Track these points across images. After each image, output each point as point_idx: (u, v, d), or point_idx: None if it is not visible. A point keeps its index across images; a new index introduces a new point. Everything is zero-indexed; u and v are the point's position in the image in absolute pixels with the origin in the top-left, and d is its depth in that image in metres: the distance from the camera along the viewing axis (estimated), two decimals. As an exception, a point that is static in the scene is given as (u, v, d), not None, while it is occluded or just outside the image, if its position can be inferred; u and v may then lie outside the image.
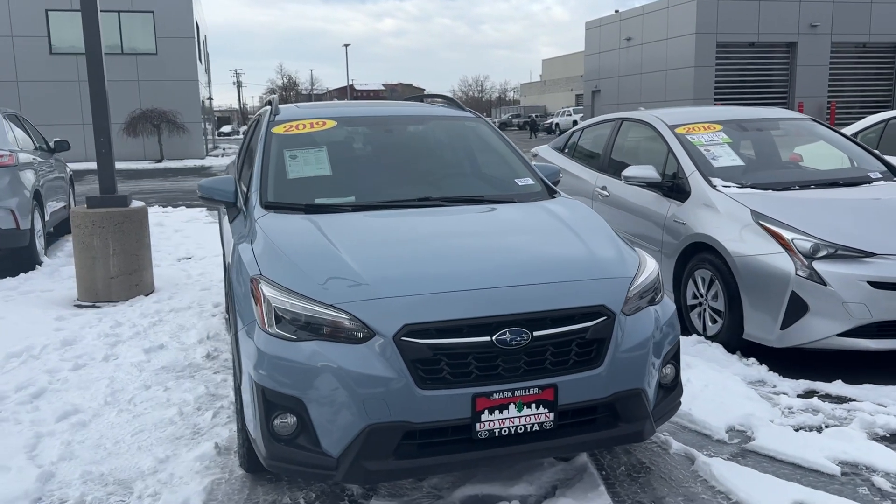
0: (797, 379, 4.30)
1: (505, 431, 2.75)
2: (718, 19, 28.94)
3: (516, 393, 2.74)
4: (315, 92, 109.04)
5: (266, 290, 2.91)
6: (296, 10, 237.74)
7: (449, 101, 5.05)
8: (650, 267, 3.21)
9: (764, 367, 4.46)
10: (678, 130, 5.66)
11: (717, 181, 5.11)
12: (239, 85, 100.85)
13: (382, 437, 2.67)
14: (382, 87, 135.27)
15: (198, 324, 5.75)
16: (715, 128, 5.69)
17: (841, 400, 4.02)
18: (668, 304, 3.21)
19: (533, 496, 3.12)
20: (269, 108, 4.81)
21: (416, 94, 5.62)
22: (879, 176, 5.31)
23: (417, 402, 2.67)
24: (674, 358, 3.18)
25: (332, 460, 2.73)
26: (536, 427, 2.78)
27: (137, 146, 28.53)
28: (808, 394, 4.14)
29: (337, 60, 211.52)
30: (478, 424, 2.72)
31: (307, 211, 3.61)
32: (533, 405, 2.76)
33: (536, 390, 2.75)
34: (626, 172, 5.56)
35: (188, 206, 13.83)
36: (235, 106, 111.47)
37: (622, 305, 2.92)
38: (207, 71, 39.60)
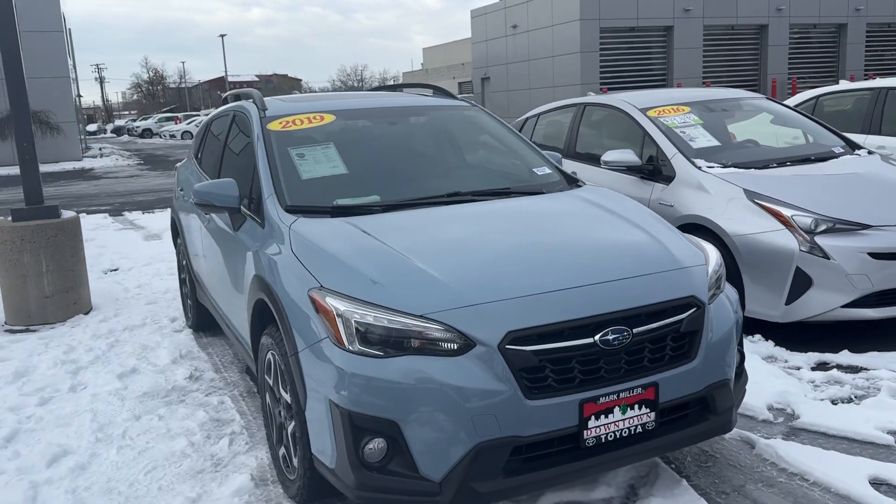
0: (806, 352, 4.41)
1: (611, 436, 2.61)
2: (601, 5, 29.80)
3: (621, 395, 2.60)
4: (185, 85, 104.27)
5: (338, 304, 2.62)
6: (157, 1, 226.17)
7: (437, 89, 4.82)
8: (714, 255, 3.15)
9: (770, 343, 4.55)
10: (650, 113, 5.69)
11: (700, 162, 5.17)
12: (102, 81, 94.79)
13: (492, 454, 2.47)
14: (256, 79, 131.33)
15: (163, 342, 5.26)
16: (684, 109, 5.76)
17: (855, 370, 4.15)
18: (731, 290, 3.17)
19: (616, 498, 3.01)
20: (242, 102, 4.44)
21: (391, 85, 5.34)
22: (842, 150, 5.54)
23: (526, 414, 2.48)
24: (739, 344, 3.14)
25: (434, 485, 2.50)
26: (640, 428, 2.66)
27: (6, 150, 26.20)
28: (822, 365, 4.25)
29: (205, 52, 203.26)
30: (585, 431, 2.57)
31: (334, 213, 3.31)
32: (636, 406, 2.64)
33: (639, 390, 2.63)
34: (606, 157, 5.52)
35: (87, 212, 12.77)
36: (98, 103, 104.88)
37: (707, 295, 2.85)
38: (74, 67, 36.93)
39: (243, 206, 3.66)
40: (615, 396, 2.59)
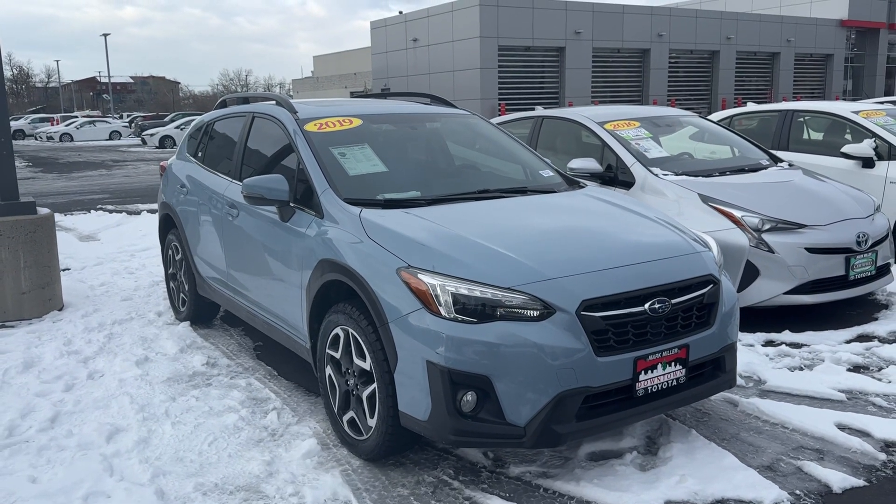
0: (755, 332, 5.18)
1: (654, 388, 3.18)
2: (499, 24, 31.00)
3: (663, 354, 3.18)
4: (58, 84, 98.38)
5: (431, 280, 3.05)
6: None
7: (434, 98, 5.29)
8: (713, 243, 3.80)
9: (723, 326, 5.30)
10: (607, 126, 6.39)
11: (656, 170, 5.90)
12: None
13: (569, 402, 2.98)
14: (131, 80, 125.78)
15: (161, 334, 5.42)
16: (634, 124, 6.50)
17: (797, 345, 4.94)
18: (725, 274, 3.83)
19: (641, 446, 3.58)
20: (266, 104, 4.74)
21: (380, 93, 5.75)
22: (768, 163, 6.44)
23: (596, 368, 3.01)
24: (733, 317, 3.79)
25: (519, 429, 2.97)
26: (675, 382, 3.24)
27: None
28: (769, 343, 5.02)
29: (73, 51, 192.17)
30: (637, 384, 3.12)
31: (386, 206, 3.72)
32: (673, 363, 3.22)
33: (676, 350, 3.21)
34: (572, 164, 6.15)
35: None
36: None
37: (719, 273, 3.49)
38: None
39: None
40: (659, 355, 3.16)
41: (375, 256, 3.30)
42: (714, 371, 3.46)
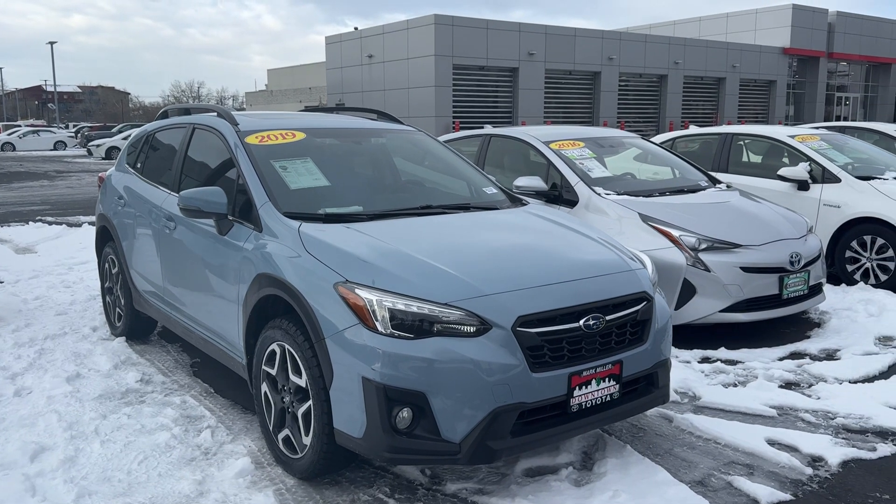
0: (691, 349, 5.28)
1: (588, 404, 3.21)
2: (454, 43, 31.27)
3: (597, 370, 3.21)
4: (2, 93, 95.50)
5: (368, 295, 3.04)
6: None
7: (381, 114, 5.30)
8: (649, 261, 3.87)
9: (662, 343, 5.39)
10: (552, 146, 6.48)
11: (599, 189, 6.00)
12: None
13: (505, 418, 2.99)
14: (79, 90, 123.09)
15: (95, 349, 5.27)
16: (579, 144, 6.61)
17: (732, 362, 5.05)
18: (660, 291, 3.90)
19: (577, 461, 3.60)
20: (205, 115, 4.69)
21: (327, 107, 5.73)
22: (707, 184, 6.61)
23: (531, 384, 3.03)
24: (666, 334, 3.87)
25: (455, 445, 2.97)
26: (608, 398, 3.28)
27: None
28: (705, 360, 5.12)
29: (17, 58, 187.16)
30: (571, 399, 3.15)
31: (327, 220, 3.70)
32: (606, 379, 3.26)
33: (609, 366, 3.26)
34: (518, 182, 6.21)
35: (-69, 224, 11.78)
36: None
37: (653, 292, 3.55)
38: None
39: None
40: (593, 371, 3.20)
41: (313, 271, 3.28)
42: (648, 387, 3.51)
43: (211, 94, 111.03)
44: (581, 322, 3.17)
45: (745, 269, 5.30)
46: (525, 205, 4.41)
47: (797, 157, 7.64)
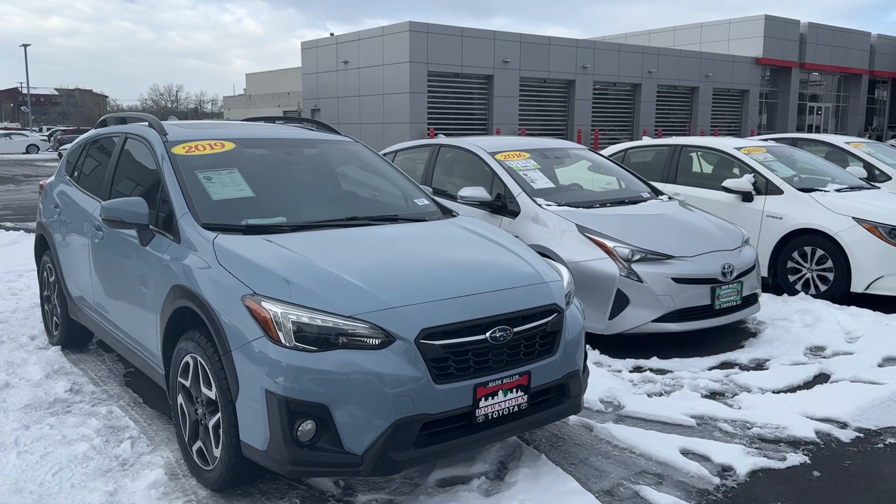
0: (624, 359, 5.36)
1: (495, 414, 3.26)
2: (429, 50, 31.36)
3: (504, 381, 3.26)
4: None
5: (274, 308, 3.07)
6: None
7: (320, 124, 5.33)
8: (566, 272, 3.94)
9: (597, 352, 5.46)
10: (498, 157, 6.55)
11: (540, 200, 6.07)
12: None
13: (406, 429, 3.03)
14: (56, 92, 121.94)
15: (29, 358, 5.25)
16: (524, 155, 6.69)
17: (663, 371, 5.13)
18: (577, 301, 3.96)
19: (491, 471, 3.65)
20: (138, 125, 4.69)
21: (268, 117, 5.76)
22: (648, 196, 6.71)
23: (434, 396, 3.07)
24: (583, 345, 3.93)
25: (357, 457, 3.00)
26: (516, 408, 3.33)
27: None
28: (637, 369, 5.20)
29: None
30: (477, 410, 3.20)
31: (247, 232, 3.72)
32: (514, 390, 3.31)
33: (517, 377, 3.31)
34: (462, 193, 6.28)
35: None
36: None
37: (565, 304, 3.61)
38: None
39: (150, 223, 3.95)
40: (500, 381, 3.25)
41: (223, 283, 3.30)
42: (559, 397, 3.57)
43: (190, 98, 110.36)
44: (487, 334, 3.22)
45: (677, 280, 5.39)
46: (454, 217, 4.46)
47: (742, 168, 7.77)
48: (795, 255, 7.12)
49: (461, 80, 33.15)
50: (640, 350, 5.52)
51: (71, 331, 5.33)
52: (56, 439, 3.95)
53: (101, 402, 4.52)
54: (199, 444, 3.47)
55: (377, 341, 3.04)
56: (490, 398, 3.22)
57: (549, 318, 3.47)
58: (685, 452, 3.85)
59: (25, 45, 55.01)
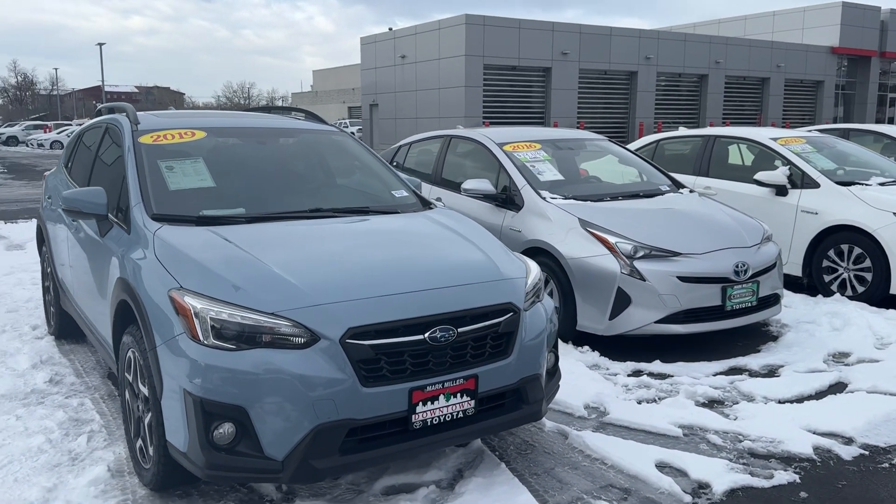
0: (624, 361, 5.04)
1: (436, 420, 3.04)
2: (485, 43, 31.05)
3: (445, 384, 3.03)
4: (57, 92, 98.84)
5: (194, 303, 2.92)
6: (30, 2, 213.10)
7: (308, 114, 5.19)
8: (535, 269, 3.67)
9: (596, 353, 5.15)
10: (506, 148, 6.28)
11: (545, 193, 5.78)
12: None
13: (329, 435, 2.83)
14: (136, 90, 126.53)
15: (23, 348, 5.29)
16: (535, 146, 6.39)
17: (663, 376, 4.79)
18: (548, 301, 3.69)
19: (444, 480, 3.43)
20: (115, 115, 4.64)
21: (263, 107, 5.66)
22: (668, 189, 6.32)
23: (361, 400, 2.87)
24: (554, 347, 3.66)
25: (277, 463, 2.83)
26: (461, 414, 3.10)
27: None
28: (636, 373, 4.87)
29: (80, 59, 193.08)
30: (413, 416, 2.98)
31: (199, 223, 3.60)
32: (458, 394, 3.08)
33: (461, 381, 3.07)
34: (466, 185, 6.05)
35: (-58, 220, 12.15)
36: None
37: (523, 302, 3.35)
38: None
39: (111, 214, 3.88)
40: (440, 385, 3.02)
41: (155, 276, 3.18)
42: (515, 403, 3.32)
43: (262, 95, 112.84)
44: (426, 334, 2.99)
45: (683, 279, 5.03)
46: (431, 209, 4.25)
47: (778, 160, 7.27)
48: (831, 253, 6.61)
49: (518, 72, 32.72)
50: (644, 353, 5.18)
51: (64, 321, 5.35)
52: (18, 431, 3.92)
53: (77, 394, 4.50)
54: (139, 441, 3.36)
55: (302, 340, 2.86)
56: (429, 403, 3.00)
57: (503, 319, 3.21)
58: (661, 466, 3.55)
59: (101, 44, 57.16)
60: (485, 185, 6.01)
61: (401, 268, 3.25)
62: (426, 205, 4.34)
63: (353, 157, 4.71)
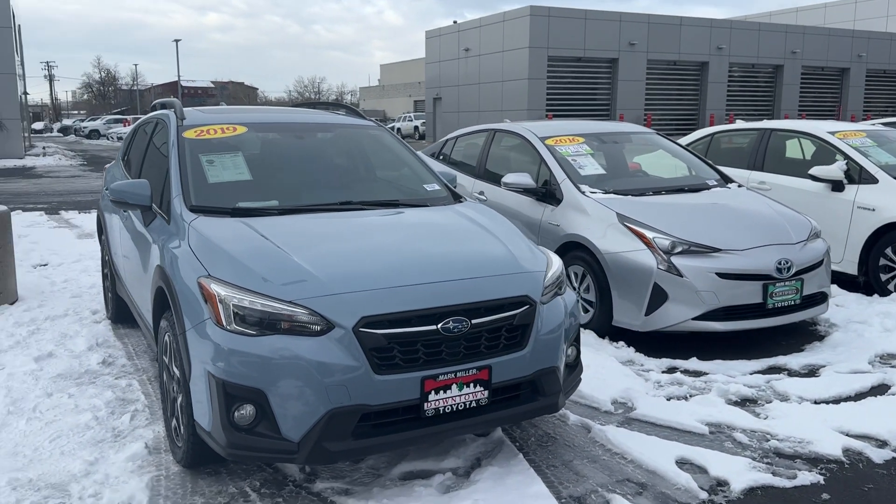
0: (660, 358, 5.00)
1: (448, 409, 3.11)
2: (549, 35, 30.80)
3: (458, 374, 3.10)
4: (138, 88, 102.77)
5: (220, 290, 3.07)
6: (112, 0, 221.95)
7: (348, 109, 5.32)
8: (556, 263, 3.70)
9: (631, 349, 5.12)
10: (548, 142, 6.28)
11: (585, 187, 5.76)
12: (51, 79, 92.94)
13: (342, 420, 2.94)
14: (212, 85, 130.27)
15: (82, 331, 5.60)
16: (578, 140, 6.37)
17: (698, 374, 4.74)
18: (570, 295, 3.71)
19: (461, 468, 3.50)
20: (165, 111, 4.86)
21: (308, 102, 5.82)
22: (715, 183, 6.20)
23: (374, 387, 2.96)
24: (576, 340, 3.68)
25: (293, 444, 2.96)
26: (474, 404, 3.16)
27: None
28: (671, 370, 4.83)
29: (159, 55, 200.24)
30: (425, 404, 3.06)
31: (234, 214, 3.76)
32: (471, 384, 3.14)
33: (474, 371, 3.14)
34: (506, 179, 6.08)
35: (24, 209, 12.89)
36: (46, 100, 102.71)
37: (540, 295, 3.38)
38: (21, 64, 36.41)
39: (155, 204, 4.09)
40: (453, 375, 3.09)
41: (188, 264, 3.35)
42: (531, 394, 3.36)
43: (331, 90, 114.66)
44: (439, 325, 3.07)
45: (722, 275, 4.94)
46: (460, 203, 4.32)
47: (835, 154, 7.04)
48: (889, 251, 6.36)
49: (583, 64, 32.35)
50: (682, 350, 5.13)
51: (119, 306, 5.64)
52: (69, 408, 4.18)
53: (126, 375, 4.75)
54: (174, 420, 3.55)
55: (318, 328, 2.98)
56: (441, 392, 3.08)
57: (518, 311, 3.26)
58: (682, 462, 3.53)
59: (177, 41, 59.24)
60: (524, 178, 6.03)
61: (418, 259, 3.33)
62: (457, 198, 4.41)
63: (388, 152, 4.81)
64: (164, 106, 5.37)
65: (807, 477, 3.39)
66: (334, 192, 4.25)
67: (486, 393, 3.18)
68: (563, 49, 31.31)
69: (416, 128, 44.00)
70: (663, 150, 6.77)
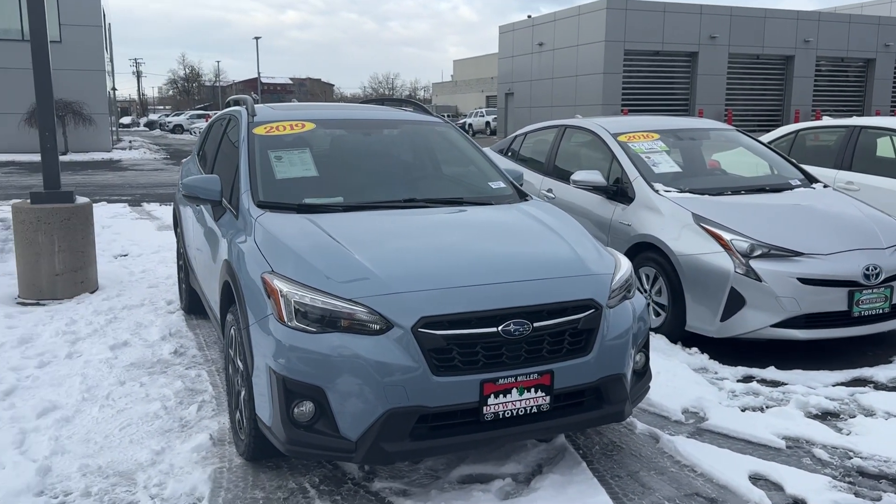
0: (735, 366, 4.78)
1: (508, 414, 3.03)
2: (626, 28, 30.19)
3: (518, 378, 3.02)
4: (220, 84, 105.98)
5: (282, 286, 3.07)
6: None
7: (415, 105, 5.28)
8: (625, 265, 3.56)
9: (705, 356, 4.92)
10: (620, 138, 6.09)
11: (658, 186, 5.56)
12: (139, 75, 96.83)
13: (400, 420, 2.90)
14: (290, 81, 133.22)
15: (156, 321, 5.76)
16: (653, 136, 6.16)
17: (776, 384, 4.51)
18: (639, 299, 3.57)
19: (522, 474, 3.41)
20: (238, 108, 4.92)
21: (377, 99, 5.82)
22: (798, 183, 5.90)
23: (432, 388, 2.91)
24: (644, 347, 3.54)
25: (351, 443, 2.93)
26: (535, 409, 3.07)
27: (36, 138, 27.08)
28: (747, 379, 4.61)
29: (240, 52, 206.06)
30: (484, 408, 2.99)
31: (300, 210, 3.77)
32: (532, 389, 3.05)
33: (536, 376, 3.04)
34: (575, 176, 5.94)
35: (108, 201, 13.42)
36: (133, 96, 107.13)
37: (607, 299, 3.26)
38: (111, 60, 38.03)
39: (224, 200, 4.14)
40: (513, 379, 3.01)
41: (253, 259, 3.37)
42: (596, 402, 3.24)
43: (405, 86, 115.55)
44: (500, 327, 2.99)
45: (805, 281, 4.68)
46: (526, 201, 4.22)
47: (933, 153, 6.60)
48: None
49: (661, 58, 31.60)
50: (759, 358, 4.89)
51: (192, 297, 5.77)
52: (140, 397, 4.29)
53: (196, 365, 4.85)
54: (238, 413, 3.59)
55: (377, 327, 2.94)
56: (501, 396, 3.00)
57: (582, 315, 3.15)
58: (755, 478, 3.35)
59: (257, 38, 60.77)
60: (595, 176, 5.87)
61: (480, 259, 3.26)
62: (522, 196, 4.32)
63: (454, 148, 4.75)
64: (237, 102, 5.47)
65: (892, 499, 3.17)
66: (399, 189, 4.21)
67: (547, 399, 3.08)
68: (640, 43, 30.65)
69: (487, 123, 43.89)
70: (744, 147, 6.49)
